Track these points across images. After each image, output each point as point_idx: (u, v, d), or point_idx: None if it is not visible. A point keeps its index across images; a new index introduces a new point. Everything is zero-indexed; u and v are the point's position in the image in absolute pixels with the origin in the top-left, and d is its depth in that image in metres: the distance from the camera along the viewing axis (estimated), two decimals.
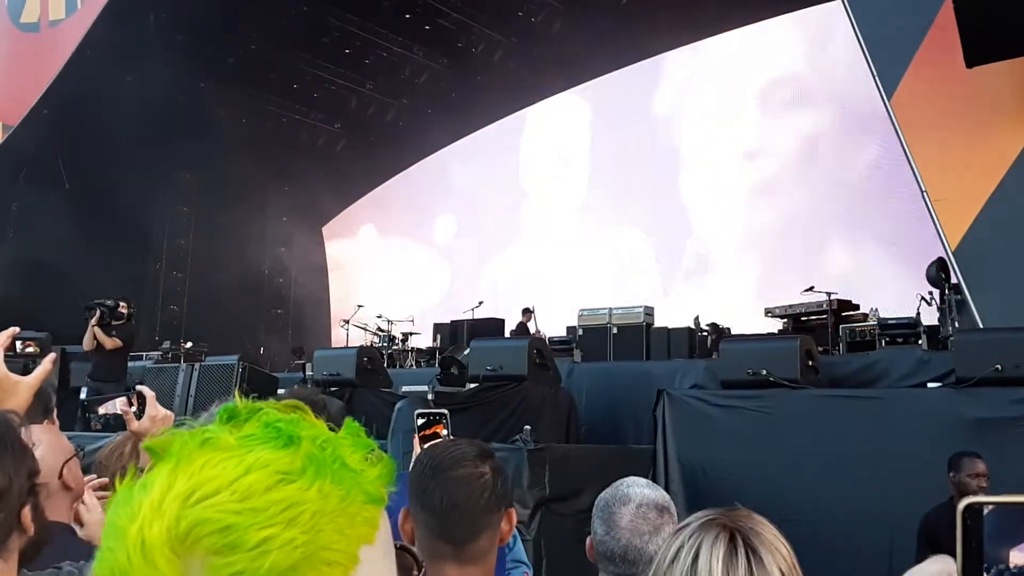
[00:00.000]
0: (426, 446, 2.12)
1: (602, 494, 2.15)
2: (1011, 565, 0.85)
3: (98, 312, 8.18)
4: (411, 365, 12.46)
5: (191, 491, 0.57)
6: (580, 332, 10.65)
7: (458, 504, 1.75)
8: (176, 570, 0.55)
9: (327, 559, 0.58)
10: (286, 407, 0.65)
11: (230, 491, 0.56)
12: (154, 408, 2.26)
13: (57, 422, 2.81)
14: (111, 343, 8.26)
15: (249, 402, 0.65)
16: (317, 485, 0.58)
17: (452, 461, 1.80)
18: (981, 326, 7.12)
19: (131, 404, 2.30)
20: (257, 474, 0.57)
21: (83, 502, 2.52)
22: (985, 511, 0.85)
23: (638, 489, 2.12)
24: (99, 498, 2.64)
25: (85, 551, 2.31)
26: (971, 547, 0.85)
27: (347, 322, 13.81)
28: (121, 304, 8.34)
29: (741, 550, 1.30)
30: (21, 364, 2.77)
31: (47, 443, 2.37)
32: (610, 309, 10.86)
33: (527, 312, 12.57)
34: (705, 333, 10.74)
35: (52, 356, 2.27)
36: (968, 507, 0.85)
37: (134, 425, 2.26)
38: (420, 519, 1.77)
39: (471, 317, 13.13)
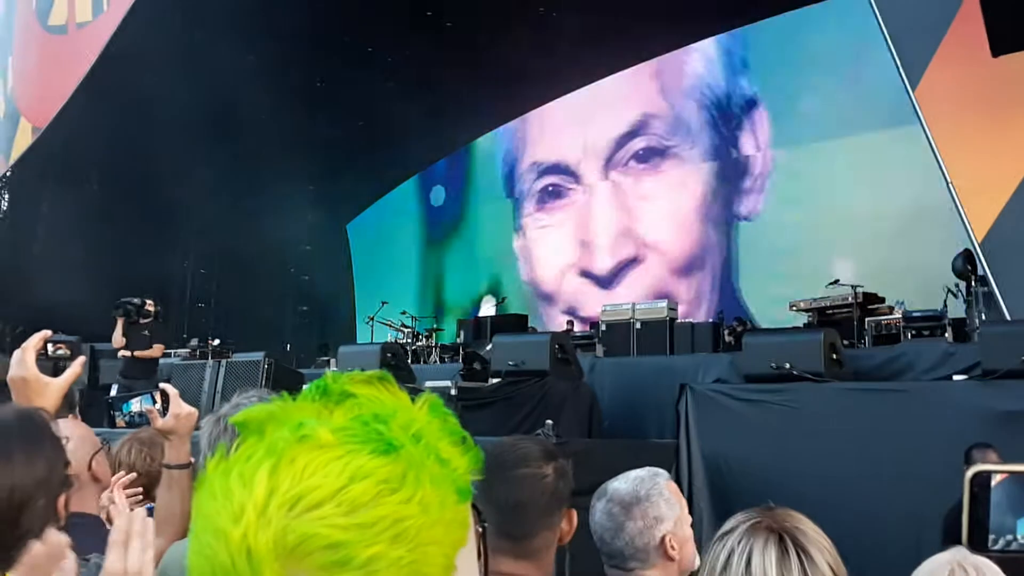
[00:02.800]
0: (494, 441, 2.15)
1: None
2: None
3: (125, 309, 8.30)
4: (435, 361, 12.53)
5: (296, 499, 0.57)
6: (603, 327, 10.67)
7: (519, 502, 1.81)
8: None
9: (432, 572, 0.59)
10: (371, 378, 0.66)
11: (335, 503, 0.57)
12: (178, 406, 2.31)
13: (79, 417, 2.89)
14: (147, 353, 8.41)
15: (339, 379, 0.66)
16: (419, 496, 0.59)
17: (516, 460, 1.87)
18: (1008, 318, 7.04)
19: (155, 402, 2.34)
20: (361, 485, 0.57)
21: (113, 501, 2.59)
22: (993, 482, 0.85)
23: (616, 484, 2.14)
24: (128, 496, 2.71)
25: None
26: (977, 515, 0.87)
27: (372, 319, 13.92)
28: (148, 303, 8.46)
29: (792, 551, 1.34)
30: (51, 366, 2.84)
31: (77, 436, 2.44)
32: (633, 304, 10.89)
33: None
34: (731, 327, 10.72)
35: (82, 359, 2.33)
36: (976, 475, 0.86)
37: (158, 423, 2.31)
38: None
39: (494, 313, 13.22)
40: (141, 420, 2.49)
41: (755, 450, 6.56)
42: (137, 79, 12.27)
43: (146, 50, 12.19)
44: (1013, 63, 7.36)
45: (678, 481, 6.70)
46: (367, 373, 0.67)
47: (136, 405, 2.43)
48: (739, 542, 1.38)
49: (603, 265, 15.73)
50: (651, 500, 2.08)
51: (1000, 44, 7.20)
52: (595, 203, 16.19)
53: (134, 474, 2.78)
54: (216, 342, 11.43)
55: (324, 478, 0.57)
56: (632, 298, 12.50)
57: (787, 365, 6.69)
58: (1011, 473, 0.87)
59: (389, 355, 8.65)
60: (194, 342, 11.96)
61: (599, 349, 10.25)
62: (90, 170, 13.90)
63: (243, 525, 0.56)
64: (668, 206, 15.06)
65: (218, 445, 0.55)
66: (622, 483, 2.14)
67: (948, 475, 5.17)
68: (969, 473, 0.85)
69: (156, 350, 8.56)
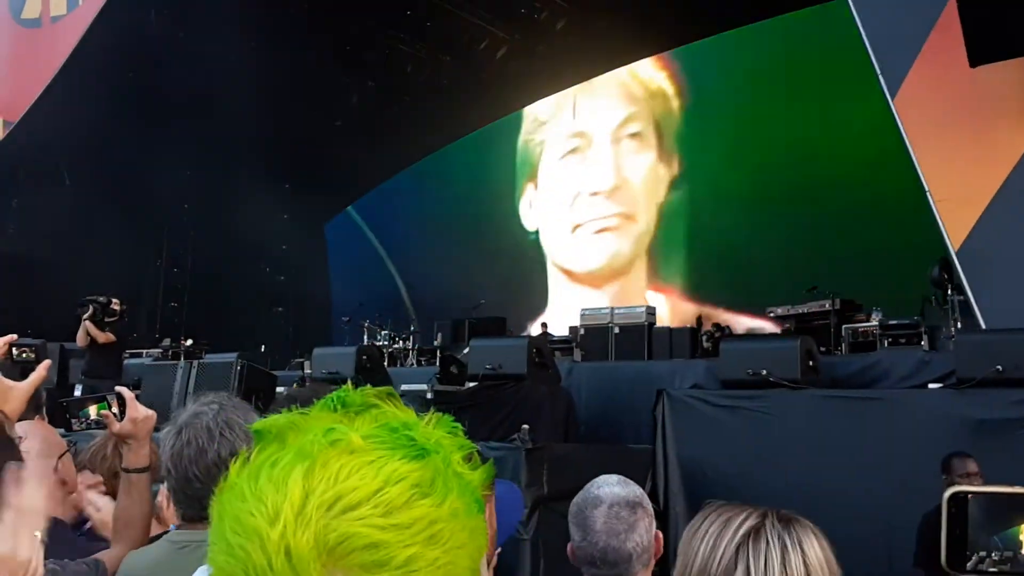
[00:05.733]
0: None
1: (575, 499, 2.14)
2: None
3: (91, 308, 8.18)
4: (412, 363, 12.45)
5: (334, 500, 0.58)
6: (582, 332, 10.65)
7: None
8: None
9: (461, 575, 0.61)
10: (381, 393, 0.68)
11: (372, 505, 0.58)
12: (134, 409, 2.23)
13: (46, 418, 2.81)
14: (104, 337, 8.25)
15: (356, 392, 0.67)
16: (448, 501, 0.61)
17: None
18: (984, 327, 7.09)
19: (110, 406, 2.27)
20: (396, 488, 0.59)
21: (91, 501, 2.52)
22: (970, 499, 0.88)
23: (608, 489, 2.11)
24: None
25: (81, 547, 2.30)
26: (955, 534, 0.88)
27: (348, 320, 13.83)
28: (114, 301, 8.34)
29: (791, 554, 1.33)
30: (18, 370, 2.76)
31: (42, 439, 2.36)
32: (612, 309, 10.89)
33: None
34: (708, 333, 10.73)
35: (47, 363, 2.27)
36: (952, 496, 0.87)
37: (115, 427, 2.23)
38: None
39: (473, 316, 13.16)
40: (99, 426, 2.42)
41: (731, 455, 6.57)
42: (112, 74, 12.12)
43: (121, 45, 12.05)
44: (990, 73, 7.41)
45: (654, 485, 6.71)
46: (378, 388, 0.69)
47: (93, 411, 2.35)
48: (740, 544, 1.34)
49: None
50: (646, 500, 2.10)
51: (977, 55, 7.25)
52: None
53: (100, 477, 2.71)
54: (189, 342, 11.29)
55: (360, 480, 0.59)
56: None
57: (764, 372, 6.71)
58: (990, 495, 0.88)
59: (364, 358, 8.58)
60: (166, 342, 11.81)
61: (577, 353, 10.23)
62: (62, 166, 13.70)
63: (280, 525, 0.57)
64: None
65: (240, 452, 0.55)
66: (615, 487, 2.13)
67: (922, 482, 5.22)
68: (946, 494, 0.85)
69: (104, 336, 8.35)
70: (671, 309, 14.27)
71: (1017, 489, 0.88)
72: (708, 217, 14.35)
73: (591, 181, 16.05)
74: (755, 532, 1.31)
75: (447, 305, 14.48)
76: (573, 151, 16.63)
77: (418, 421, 0.66)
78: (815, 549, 1.32)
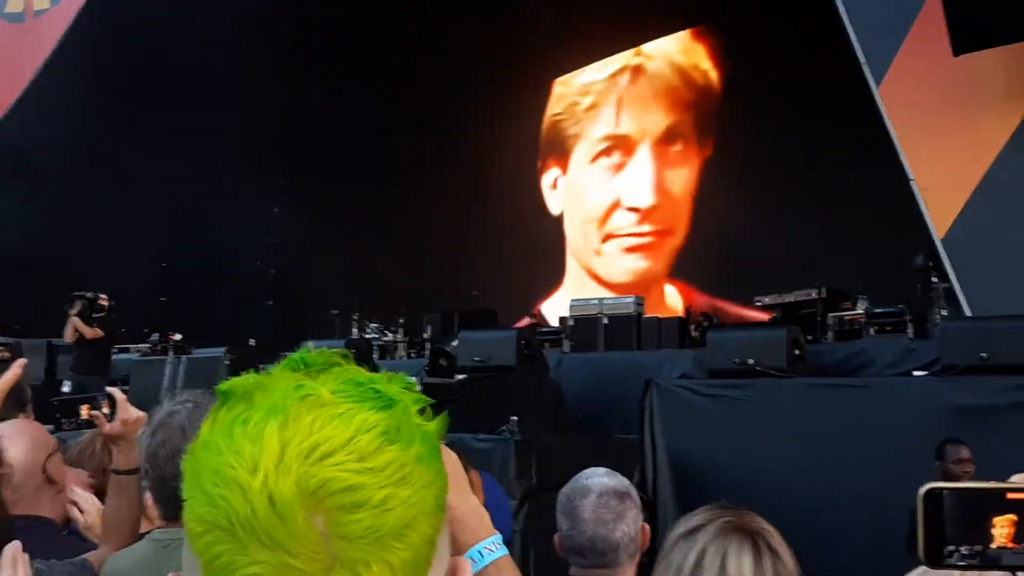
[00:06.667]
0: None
1: (563, 489, 2.16)
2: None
3: (78, 304, 8.16)
4: (401, 356, 12.45)
5: (311, 449, 0.61)
6: (571, 323, 10.66)
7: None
8: (306, 524, 0.60)
9: (430, 512, 0.65)
10: (338, 354, 0.70)
11: (347, 451, 0.62)
12: (125, 411, 2.23)
13: (32, 416, 2.81)
14: (92, 332, 8.24)
15: (319, 351, 0.70)
16: (414, 446, 0.65)
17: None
18: (968, 314, 7.14)
19: (100, 408, 2.27)
20: (367, 436, 0.63)
21: (76, 501, 2.51)
22: (945, 494, 0.89)
23: (596, 479, 2.13)
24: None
25: (70, 547, 2.31)
26: (932, 530, 0.90)
27: (338, 313, 13.82)
28: (101, 297, 8.33)
29: (765, 553, 1.40)
30: None
31: (30, 437, 2.36)
32: (601, 300, 10.91)
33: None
34: (697, 323, 10.75)
35: (21, 361, 2.27)
36: (928, 492, 0.89)
37: (106, 428, 2.23)
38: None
39: (464, 307, 13.16)
40: (89, 426, 2.42)
41: (719, 445, 6.61)
42: (97, 67, 12.04)
43: (106, 38, 11.98)
44: (974, 62, 7.45)
45: (643, 476, 6.74)
46: (334, 350, 0.72)
47: (84, 413, 2.35)
48: (711, 543, 1.40)
49: None
50: (634, 491, 2.14)
51: (961, 43, 7.29)
52: None
53: (93, 479, 2.71)
54: (178, 337, 11.26)
55: (334, 430, 0.62)
56: None
57: (751, 361, 6.75)
58: (963, 490, 0.90)
59: (353, 351, 8.57)
60: (155, 337, 11.77)
61: (566, 345, 10.25)
62: (47, 161, 13.61)
63: (262, 475, 0.60)
64: None
65: (211, 409, 0.58)
66: (603, 477, 2.15)
67: (909, 469, 5.27)
68: (922, 491, 0.87)
69: (91, 331, 8.34)
70: (684, 301, 14.03)
71: (990, 484, 0.90)
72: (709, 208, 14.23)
73: (629, 195, 15.23)
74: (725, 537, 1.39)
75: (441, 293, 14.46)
76: (608, 153, 15.84)
77: (379, 377, 0.69)
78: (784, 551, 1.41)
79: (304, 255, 18.31)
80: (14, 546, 1.47)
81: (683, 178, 14.88)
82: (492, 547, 1.37)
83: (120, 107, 12.33)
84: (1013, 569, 0.89)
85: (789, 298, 9.68)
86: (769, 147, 13.08)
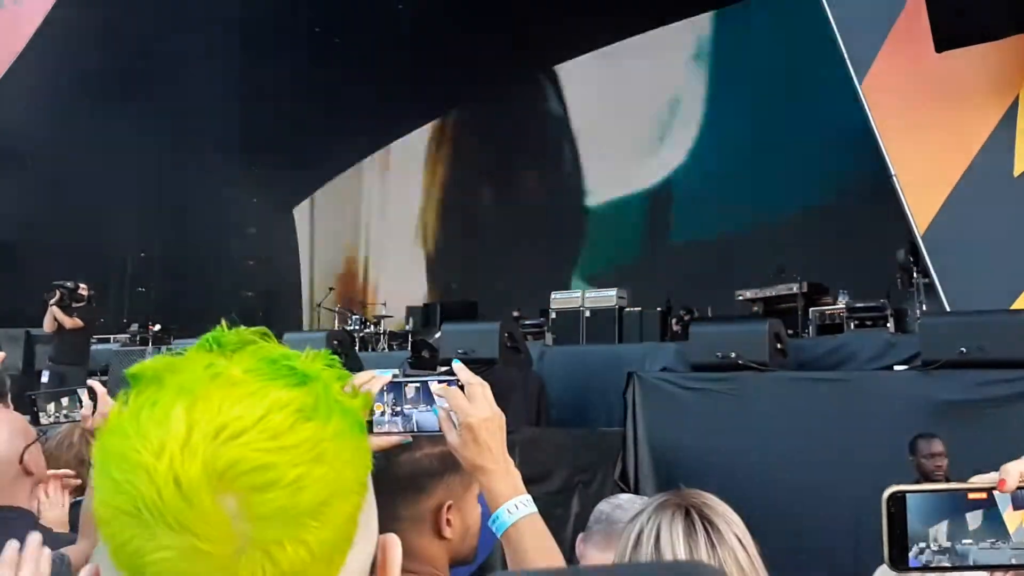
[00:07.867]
0: None
1: (598, 506, 2.15)
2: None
3: (58, 293, 8.07)
4: (383, 348, 12.42)
5: (219, 429, 0.59)
6: (553, 315, 10.66)
7: None
8: (214, 506, 0.57)
9: (350, 489, 0.63)
10: (256, 332, 0.68)
11: (258, 430, 0.59)
12: (106, 404, 2.21)
13: (11, 406, 2.77)
14: (71, 322, 8.16)
15: (234, 330, 0.68)
16: (333, 423, 0.63)
17: None
18: (948, 309, 7.19)
19: (80, 403, 2.25)
20: (280, 414, 0.60)
21: (46, 494, 2.48)
22: (908, 497, 0.90)
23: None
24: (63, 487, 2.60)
25: (48, 540, 2.27)
26: (895, 533, 0.90)
27: (319, 305, 13.78)
28: (81, 286, 8.24)
29: (698, 524, 1.37)
30: None
31: (8, 427, 2.32)
32: (583, 292, 10.90)
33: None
34: (678, 316, 10.78)
35: (0, 355, 2.24)
36: (891, 496, 0.90)
37: (88, 422, 2.21)
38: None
39: (445, 299, 13.16)
40: (67, 419, 2.39)
41: (701, 437, 6.64)
42: (76, 55, 11.91)
43: (85, 25, 11.84)
44: (956, 59, 7.50)
45: (625, 468, 6.76)
46: (253, 328, 0.69)
47: (63, 403, 2.33)
48: (648, 520, 1.40)
49: None
50: None
51: (944, 40, 7.33)
52: None
53: (72, 472, 2.68)
54: (157, 327, 11.17)
55: (244, 409, 0.60)
56: None
57: (732, 354, 6.77)
58: (926, 491, 0.91)
59: (335, 342, 8.54)
60: (134, 327, 11.68)
61: (548, 337, 10.25)
62: (26, 148, 13.45)
63: (167, 458, 0.58)
64: None
65: (120, 394, 0.56)
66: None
67: (888, 462, 5.31)
68: (885, 494, 0.88)
69: (71, 321, 8.27)
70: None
71: (953, 485, 0.91)
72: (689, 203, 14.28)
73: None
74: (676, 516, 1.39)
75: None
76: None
77: (297, 353, 0.67)
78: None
79: (283, 246, 18.26)
80: (35, 538, 1.46)
81: None
82: (514, 508, 1.40)
83: (99, 95, 12.18)
84: (978, 568, 0.90)
85: (770, 292, 9.73)
86: (751, 140, 13.14)
